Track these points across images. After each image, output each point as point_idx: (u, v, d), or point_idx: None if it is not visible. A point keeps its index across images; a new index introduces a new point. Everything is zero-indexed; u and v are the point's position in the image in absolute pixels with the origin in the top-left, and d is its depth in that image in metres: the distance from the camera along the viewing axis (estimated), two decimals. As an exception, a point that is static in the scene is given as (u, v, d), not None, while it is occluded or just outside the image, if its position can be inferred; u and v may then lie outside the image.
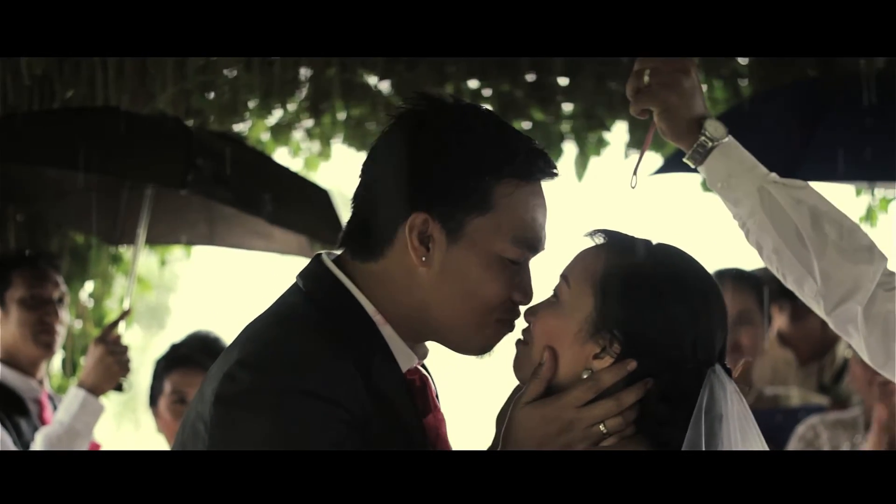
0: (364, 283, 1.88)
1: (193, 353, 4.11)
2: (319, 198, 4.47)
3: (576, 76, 5.05)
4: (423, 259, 1.86)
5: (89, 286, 5.11)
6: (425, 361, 1.97)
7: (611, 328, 1.84)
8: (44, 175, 4.40)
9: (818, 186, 2.20)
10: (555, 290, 1.91)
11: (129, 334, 4.22)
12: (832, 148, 4.06)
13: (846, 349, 4.39)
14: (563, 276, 1.91)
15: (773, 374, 4.52)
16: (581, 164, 5.19)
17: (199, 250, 5.54)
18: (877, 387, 3.69)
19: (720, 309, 1.89)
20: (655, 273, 1.86)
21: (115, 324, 3.96)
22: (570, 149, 5.20)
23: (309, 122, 5.32)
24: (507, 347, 1.94)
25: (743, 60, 5.00)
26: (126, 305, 4.21)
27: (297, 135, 5.38)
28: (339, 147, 5.33)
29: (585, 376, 1.85)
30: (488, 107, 2.11)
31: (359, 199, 1.91)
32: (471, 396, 7.66)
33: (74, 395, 3.82)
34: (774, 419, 4.14)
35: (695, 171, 2.21)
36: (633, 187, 2.20)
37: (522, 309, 1.92)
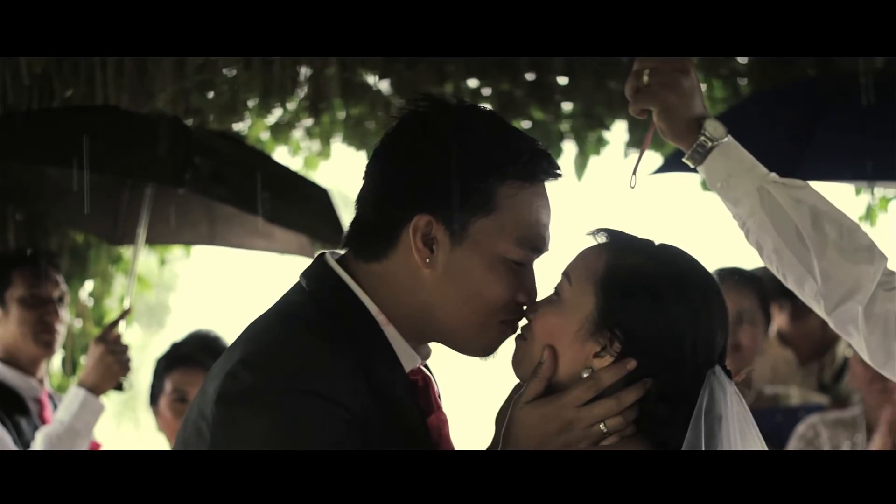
0: (367, 283, 1.88)
1: (194, 352, 4.11)
2: (319, 197, 4.46)
3: (575, 76, 5.04)
4: (427, 261, 1.85)
5: (89, 285, 5.11)
6: (427, 361, 1.97)
7: (611, 327, 1.84)
8: (44, 174, 4.40)
9: (818, 186, 2.20)
10: (556, 287, 1.91)
11: (129, 333, 4.21)
12: (831, 148, 4.06)
13: (846, 348, 4.39)
14: (565, 274, 1.91)
15: (773, 373, 4.52)
16: (580, 163, 5.19)
17: (199, 250, 5.53)
18: (883, 388, 3.69)
19: (721, 310, 1.89)
20: (657, 273, 1.86)
21: (116, 323, 3.96)
22: (569, 148, 5.19)
23: (308, 122, 5.31)
24: (509, 348, 1.93)
25: (742, 60, 5.00)
26: (126, 304, 4.21)
27: (297, 134, 5.37)
28: (338, 146, 5.32)
29: (585, 375, 1.85)
30: (488, 106, 2.10)
31: (362, 200, 1.91)
32: (472, 396, 7.65)
33: (75, 395, 3.82)
34: (774, 418, 4.15)
35: (694, 170, 2.21)
36: (632, 187, 2.20)
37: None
